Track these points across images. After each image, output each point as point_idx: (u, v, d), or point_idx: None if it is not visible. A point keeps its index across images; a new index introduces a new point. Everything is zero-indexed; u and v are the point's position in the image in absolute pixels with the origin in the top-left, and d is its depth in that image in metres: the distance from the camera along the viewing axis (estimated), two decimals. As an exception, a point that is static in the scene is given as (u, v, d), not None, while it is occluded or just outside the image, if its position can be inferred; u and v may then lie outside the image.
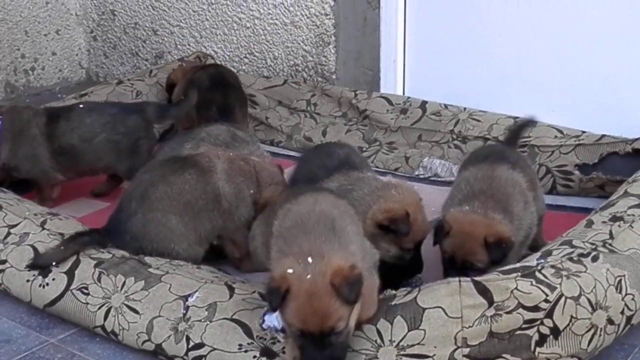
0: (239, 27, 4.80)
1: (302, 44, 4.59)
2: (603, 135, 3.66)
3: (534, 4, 4.07)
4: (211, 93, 4.00)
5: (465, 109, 4.06)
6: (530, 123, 3.49)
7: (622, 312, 2.46)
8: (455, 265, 2.68)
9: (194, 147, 3.25)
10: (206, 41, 4.95)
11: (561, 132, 3.78)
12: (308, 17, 4.50)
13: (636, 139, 3.53)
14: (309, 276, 2.10)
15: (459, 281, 2.26)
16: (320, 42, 4.51)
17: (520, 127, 3.45)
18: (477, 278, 2.29)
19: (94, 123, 3.52)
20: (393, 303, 2.30)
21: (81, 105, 3.63)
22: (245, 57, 4.83)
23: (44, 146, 3.48)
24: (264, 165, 3.18)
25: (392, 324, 2.26)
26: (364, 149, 4.09)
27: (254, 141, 3.46)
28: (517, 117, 3.91)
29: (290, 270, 2.13)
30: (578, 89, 4.05)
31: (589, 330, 2.36)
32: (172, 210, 2.86)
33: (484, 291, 2.26)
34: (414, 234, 2.76)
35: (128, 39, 5.33)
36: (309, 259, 2.14)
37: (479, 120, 3.96)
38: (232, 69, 4.80)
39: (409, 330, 2.24)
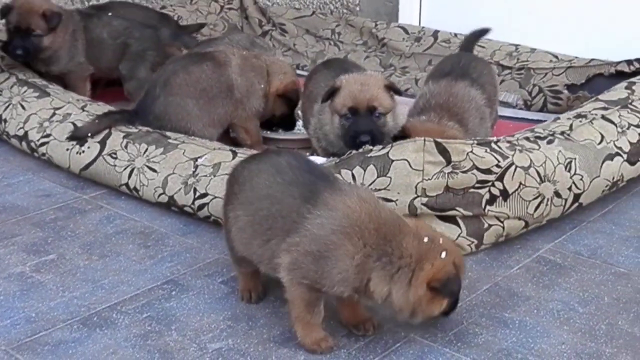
0: (275, -38, 5.22)
1: (330, -22, 5.00)
2: (592, 59, 4.00)
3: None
4: None
5: (472, 36, 4.42)
6: (483, 32, 3.73)
7: (570, 189, 2.84)
8: None
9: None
10: (246, -23, 5.37)
11: (556, 57, 4.13)
12: (336, -48, 4.91)
13: (619, 62, 3.87)
14: None
15: (424, 140, 2.65)
16: (346, -23, 4.91)
17: (476, 36, 3.73)
18: (439, 140, 2.67)
19: (118, 26, 4.02)
20: (369, 155, 2.69)
21: (110, 14, 4.10)
22: (280, -10, 5.25)
23: (82, 38, 3.96)
24: (274, 60, 3.62)
25: (365, 170, 2.65)
26: (381, 72, 4.48)
27: (270, 48, 3.90)
28: (518, 45, 4.28)
29: None
30: (574, 20, 4.37)
31: (536, 198, 2.75)
32: (189, 94, 3.31)
33: (443, 151, 2.64)
34: None
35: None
36: None
37: (483, 47, 4.31)
38: (268, 2, 5.24)
39: (377, 177, 2.63)
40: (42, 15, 3.77)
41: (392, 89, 3.09)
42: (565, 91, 3.95)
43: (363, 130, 2.99)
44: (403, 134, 2.91)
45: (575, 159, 2.87)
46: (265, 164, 2.26)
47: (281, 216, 2.12)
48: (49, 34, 3.80)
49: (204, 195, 2.86)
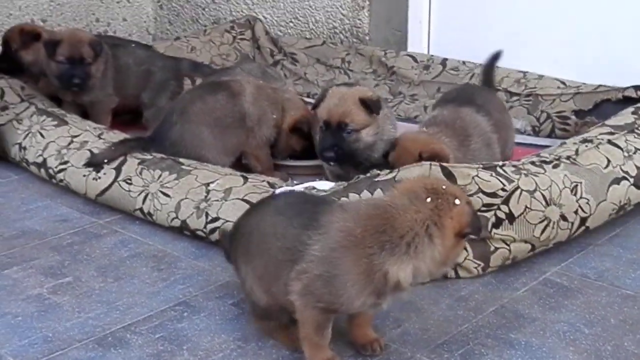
0: (286, -7, 5.33)
1: (340, 8, 5.08)
2: (599, 85, 4.05)
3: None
4: None
5: (480, 64, 4.48)
6: (496, 58, 3.74)
7: (576, 212, 2.87)
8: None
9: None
10: (257, 7, 5.48)
11: (564, 83, 4.19)
12: (346, -16, 5.01)
13: (627, 88, 3.92)
14: None
15: (430, 165, 2.71)
16: (356, 7, 5.00)
17: (490, 66, 3.74)
18: (444, 164, 2.73)
19: (142, 54, 4.20)
20: (376, 179, 2.75)
21: (133, 44, 4.24)
22: (291, 22, 5.34)
23: (112, 66, 4.09)
24: (290, 96, 3.71)
25: (372, 194, 2.70)
26: (389, 100, 4.55)
27: (281, 78, 3.99)
28: (526, 72, 4.35)
29: None
30: (579, 46, 4.44)
31: (542, 221, 2.79)
32: (205, 123, 3.40)
33: (449, 175, 2.69)
34: None
35: (190, 7, 5.89)
36: None
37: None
38: (279, 32, 5.35)
39: (384, 201, 2.70)
40: (89, 44, 3.92)
41: (367, 105, 3.10)
42: (573, 117, 4.01)
43: (326, 147, 3.10)
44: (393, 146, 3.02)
45: (581, 182, 2.91)
46: (264, 209, 2.32)
47: (286, 248, 2.16)
48: (95, 63, 3.96)
49: (216, 219, 2.92)
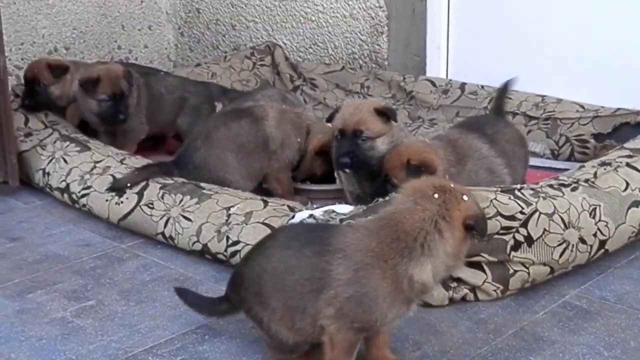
0: (305, 20, 5.38)
1: (359, 34, 5.13)
2: (618, 109, 4.06)
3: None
4: None
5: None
6: (507, 86, 3.69)
7: (595, 235, 2.88)
8: (381, 179, 3.09)
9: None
10: (277, 34, 5.55)
11: (582, 107, 4.20)
12: (364, 10, 5.05)
13: (646, 111, 3.95)
14: None
15: (446, 188, 2.73)
16: (375, 32, 5.04)
17: (500, 96, 3.67)
18: (463, 188, 2.74)
19: (173, 81, 4.31)
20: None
21: (162, 73, 4.32)
22: (310, 47, 5.40)
23: (144, 95, 4.18)
24: (315, 120, 3.77)
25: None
26: (408, 125, 4.59)
27: (301, 104, 4.04)
28: (545, 96, 4.37)
29: None
30: (598, 69, 4.45)
31: (561, 244, 2.80)
32: (229, 148, 3.45)
33: (467, 199, 2.72)
34: None
35: (210, 34, 5.97)
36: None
37: (510, 98, 4.38)
38: (299, 58, 5.41)
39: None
40: (123, 77, 4.01)
41: (383, 114, 3.20)
42: (592, 140, 4.02)
43: (342, 153, 3.17)
44: None
45: (599, 205, 2.92)
46: (271, 244, 2.31)
47: (305, 280, 2.17)
48: (130, 94, 4.06)
49: (236, 242, 2.96)
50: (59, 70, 4.17)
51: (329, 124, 3.37)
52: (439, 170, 2.97)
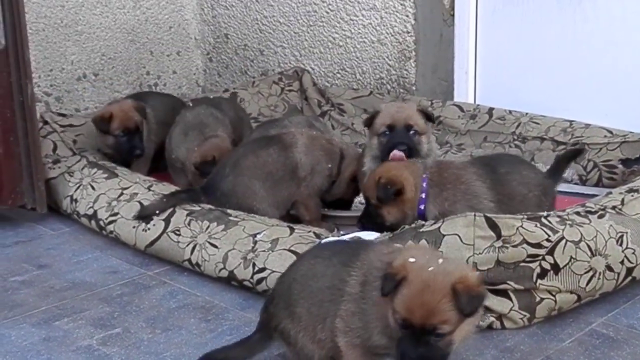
0: (333, 45, 5.41)
1: (386, 59, 5.15)
2: (646, 134, 4.05)
3: (589, 19, 4.49)
4: None
5: (527, 113, 4.50)
6: (578, 152, 3.55)
7: (622, 263, 2.86)
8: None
9: (279, 131, 3.85)
10: (305, 59, 5.58)
11: (610, 132, 4.17)
12: (392, 35, 5.07)
13: (674, 137, 3.91)
14: (431, 269, 2.01)
15: (474, 215, 2.72)
16: (402, 57, 5.06)
17: (568, 157, 3.47)
18: (488, 215, 2.74)
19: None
20: (421, 230, 2.77)
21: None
22: (338, 73, 5.42)
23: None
24: (349, 147, 3.80)
25: (417, 245, 2.73)
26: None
27: (328, 130, 4.04)
28: (573, 121, 4.34)
29: (412, 259, 2.05)
30: (626, 95, 4.42)
31: (588, 272, 2.77)
32: (257, 176, 3.45)
33: (493, 226, 2.70)
34: None
35: (238, 59, 6.02)
36: (439, 260, 2.06)
37: (538, 123, 4.39)
38: (327, 83, 5.43)
39: (429, 251, 2.71)
40: (137, 110, 4.13)
41: (425, 114, 3.42)
42: (620, 166, 3.98)
43: (399, 142, 3.31)
44: None
45: (626, 232, 2.89)
46: (303, 256, 2.37)
47: (327, 287, 2.19)
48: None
49: (263, 269, 2.96)
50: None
51: (365, 128, 3.54)
52: (407, 190, 3.06)
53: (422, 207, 3.08)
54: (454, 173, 3.15)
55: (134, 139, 4.09)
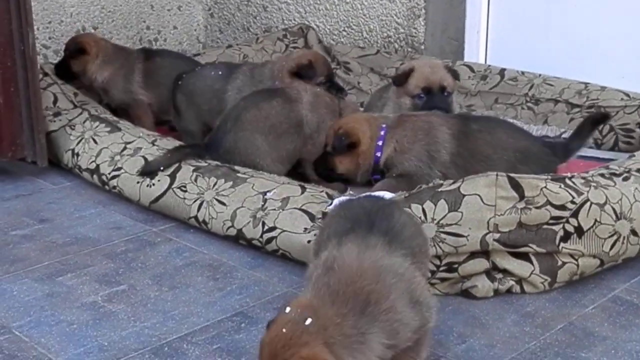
0: (340, 2, 5.25)
1: (395, 17, 5.00)
2: (665, 98, 3.93)
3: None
4: None
5: (540, 75, 4.38)
6: (604, 117, 3.38)
7: (647, 227, 2.77)
8: None
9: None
10: (310, 16, 5.42)
11: (628, 95, 4.05)
12: (401, -8, 4.93)
13: (693, 99, 3.80)
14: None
15: (497, 175, 2.61)
16: (411, 15, 4.91)
17: (592, 123, 3.33)
18: (512, 175, 2.63)
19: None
20: (439, 190, 2.66)
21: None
22: (344, 30, 5.27)
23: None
24: (347, 103, 3.66)
25: (435, 205, 2.61)
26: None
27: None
28: (588, 83, 4.22)
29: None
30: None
31: (612, 235, 2.68)
32: (259, 130, 3.34)
33: (516, 186, 2.59)
34: None
35: (241, 15, 5.86)
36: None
37: (551, 85, 4.27)
38: (332, 41, 5.29)
39: (449, 212, 2.59)
40: None
41: (453, 72, 3.56)
42: (638, 129, 3.88)
43: (440, 107, 3.36)
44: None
45: (652, 196, 2.80)
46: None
47: None
48: None
49: (272, 228, 2.85)
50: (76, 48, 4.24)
51: (397, 86, 3.53)
52: (362, 143, 3.10)
53: (378, 154, 3.11)
54: (419, 118, 3.20)
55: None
